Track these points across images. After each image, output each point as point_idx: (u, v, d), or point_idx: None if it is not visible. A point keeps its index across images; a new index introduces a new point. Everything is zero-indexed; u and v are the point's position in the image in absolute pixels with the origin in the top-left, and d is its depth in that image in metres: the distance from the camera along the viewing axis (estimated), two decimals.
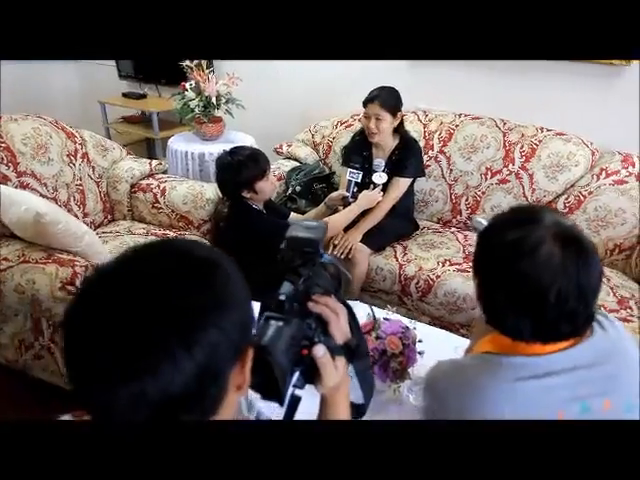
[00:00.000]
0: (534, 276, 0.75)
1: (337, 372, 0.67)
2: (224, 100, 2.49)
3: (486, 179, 2.24)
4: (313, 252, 0.78)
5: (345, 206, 2.04)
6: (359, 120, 2.56)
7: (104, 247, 1.75)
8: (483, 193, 2.25)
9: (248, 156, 1.86)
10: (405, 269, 1.99)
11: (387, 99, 1.96)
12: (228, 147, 2.53)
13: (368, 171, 2.07)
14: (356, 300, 1.75)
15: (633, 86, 2.11)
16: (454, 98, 2.48)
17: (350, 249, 1.98)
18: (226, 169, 1.86)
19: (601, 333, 0.83)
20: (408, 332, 1.20)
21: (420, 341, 1.23)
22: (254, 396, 1.29)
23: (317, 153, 2.65)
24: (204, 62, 2.47)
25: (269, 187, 1.94)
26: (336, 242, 1.99)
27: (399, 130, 2.07)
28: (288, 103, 3.03)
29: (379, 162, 2.05)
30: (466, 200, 2.29)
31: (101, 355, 0.44)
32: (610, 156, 2.10)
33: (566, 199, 2.11)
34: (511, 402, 0.78)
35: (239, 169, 1.83)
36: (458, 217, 2.33)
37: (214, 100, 2.46)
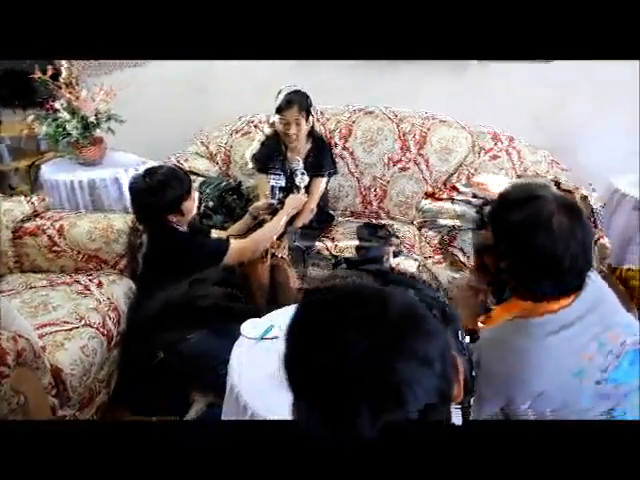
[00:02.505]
0: (552, 245, 0.87)
1: None
2: (105, 118, 2.22)
3: (389, 168, 2.42)
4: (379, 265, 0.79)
5: (272, 213, 2.02)
6: (255, 126, 2.54)
7: (14, 308, 1.43)
8: (388, 182, 2.43)
9: (169, 175, 1.71)
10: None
11: (302, 102, 1.98)
12: (117, 170, 2.29)
13: (288, 175, 2.07)
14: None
15: (478, 75, 2.52)
16: (335, 95, 2.60)
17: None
18: (146, 193, 1.69)
19: (590, 283, 1.00)
20: None
21: None
22: (247, 397, 1.22)
23: (216, 165, 2.54)
24: (74, 78, 2.17)
25: (193, 206, 1.81)
26: (274, 251, 1.96)
27: (311, 131, 2.10)
28: (164, 112, 2.80)
29: (297, 165, 2.07)
30: (374, 191, 2.45)
31: (353, 400, 0.44)
32: (483, 136, 2.44)
33: (457, 177, 2.40)
34: (549, 356, 0.90)
35: (163, 191, 1.68)
36: (369, 207, 2.47)
37: (93, 119, 2.18)
